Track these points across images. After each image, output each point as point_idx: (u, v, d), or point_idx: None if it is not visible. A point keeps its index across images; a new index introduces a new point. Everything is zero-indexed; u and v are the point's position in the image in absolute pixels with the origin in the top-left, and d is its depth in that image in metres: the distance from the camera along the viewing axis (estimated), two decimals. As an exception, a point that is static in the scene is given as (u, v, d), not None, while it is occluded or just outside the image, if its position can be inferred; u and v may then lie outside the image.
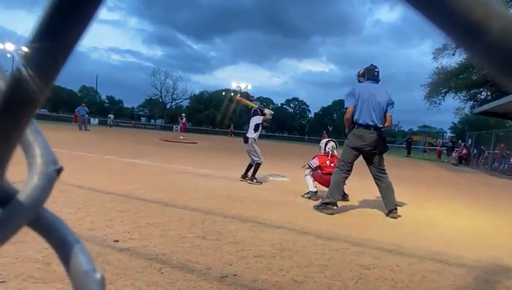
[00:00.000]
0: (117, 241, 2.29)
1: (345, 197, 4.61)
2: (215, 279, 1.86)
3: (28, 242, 2.03)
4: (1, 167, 0.20)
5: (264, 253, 2.34)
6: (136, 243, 2.29)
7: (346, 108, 3.98)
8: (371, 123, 3.86)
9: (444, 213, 4.49)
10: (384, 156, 4.11)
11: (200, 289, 1.74)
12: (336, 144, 5.07)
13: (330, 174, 4.29)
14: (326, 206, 3.81)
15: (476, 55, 0.11)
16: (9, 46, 28.79)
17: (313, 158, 4.87)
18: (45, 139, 0.23)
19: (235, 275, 1.95)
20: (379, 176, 4.01)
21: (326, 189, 4.17)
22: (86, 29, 0.17)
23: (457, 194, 6.66)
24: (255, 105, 6.00)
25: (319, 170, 4.69)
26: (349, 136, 3.96)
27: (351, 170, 4.00)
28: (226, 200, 3.98)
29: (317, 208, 3.87)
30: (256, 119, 5.75)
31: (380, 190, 4.03)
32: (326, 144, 5.01)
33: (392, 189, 3.95)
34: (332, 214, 3.73)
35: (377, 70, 4.11)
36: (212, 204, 3.66)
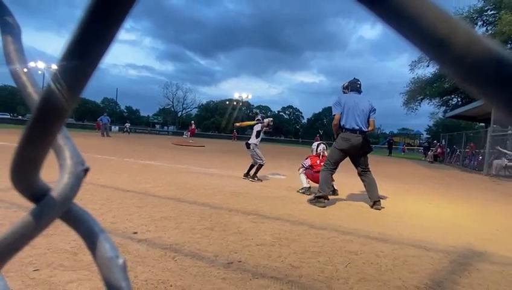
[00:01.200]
0: (136, 233, 2.29)
1: (334, 192, 4.60)
2: (222, 265, 1.86)
3: (58, 235, 2.03)
4: (36, 167, 0.20)
5: (264, 242, 2.33)
6: (153, 234, 2.29)
7: (334, 115, 3.99)
8: (356, 127, 3.87)
9: (422, 205, 4.48)
10: (369, 155, 4.12)
11: (209, 274, 1.73)
12: (326, 145, 5.09)
13: (317, 173, 4.32)
14: (319, 199, 3.81)
15: (444, 66, 0.11)
16: (40, 64, 28.92)
17: (306, 158, 4.91)
18: (74, 143, 0.24)
19: (240, 261, 1.94)
20: (364, 173, 4.03)
21: (317, 185, 4.18)
22: (107, 49, 0.17)
23: (433, 188, 6.65)
24: (254, 122, 6.00)
25: (310, 169, 4.71)
26: (338, 139, 3.97)
27: (336, 168, 4.01)
28: (231, 196, 3.97)
29: (311, 201, 3.87)
30: (257, 127, 5.81)
31: (364, 185, 4.04)
32: (317, 146, 5.04)
33: (375, 184, 3.97)
34: (324, 207, 3.72)
35: (359, 83, 4.14)
36: (219, 199, 3.66)
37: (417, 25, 0.11)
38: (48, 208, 0.20)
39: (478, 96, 0.11)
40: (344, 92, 4.20)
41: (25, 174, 0.20)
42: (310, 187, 4.60)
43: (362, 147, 3.90)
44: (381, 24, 0.12)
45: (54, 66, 0.18)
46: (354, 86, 4.10)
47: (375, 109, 4.04)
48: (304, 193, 4.53)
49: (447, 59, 0.11)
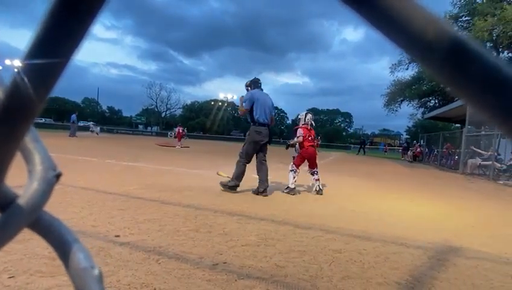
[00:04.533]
0: (118, 236, 2.23)
1: (319, 192, 4.65)
2: (207, 267, 1.84)
3: (35, 240, 1.94)
4: (1, 173, 0.18)
5: (250, 242, 2.32)
6: (136, 237, 2.23)
7: (243, 108, 4.42)
8: (266, 121, 4.40)
9: (402, 203, 4.61)
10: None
11: (194, 276, 1.71)
12: (312, 115, 5.10)
13: (309, 146, 4.76)
14: (232, 187, 4.22)
15: (431, 69, 0.11)
16: (17, 62, 27.72)
17: (297, 129, 4.92)
18: (44, 146, 0.22)
19: (225, 262, 1.93)
20: (262, 162, 4.44)
21: (310, 169, 4.70)
22: (79, 46, 0.16)
23: (413, 187, 6.85)
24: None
25: (300, 145, 4.79)
26: (251, 133, 4.37)
27: (250, 160, 4.42)
28: (216, 196, 3.94)
29: (223, 186, 4.26)
30: None
31: (259, 172, 4.38)
32: (305, 115, 5.01)
33: (267, 173, 4.37)
34: (236, 192, 4.15)
35: (260, 82, 4.64)
36: (204, 200, 3.62)
37: (404, 28, 0.10)
38: (14, 217, 0.19)
39: (464, 99, 0.11)
40: (247, 90, 4.62)
41: (-13, 181, 0.18)
42: (294, 188, 4.61)
43: (269, 138, 4.45)
44: (367, 26, 0.11)
45: (21, 60, 0.16)
46: (257, 84, 4.60)
47: (273, 106, 4.65)
48: (288, 193, 4.54)
49: (433, 62, 0.11)
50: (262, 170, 4.39)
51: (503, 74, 0.10)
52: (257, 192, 4.26)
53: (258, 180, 4.35)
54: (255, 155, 4.44)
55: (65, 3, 0.14)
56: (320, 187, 4.69)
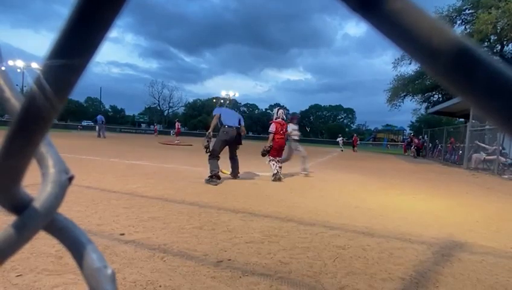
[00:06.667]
0: (123, 234, 2.25)
1: (277, 176, 5.29)
2: (211, 264, 1.85)
3: (42, 238, 1.97)
4: (18, 178, 0.19)
5: (254, 239, 2.34)
6: (140, 235, 2.25)
7: (215, 115, 5.29)
8: (233, 124, 5.18)
9: (406, 198, 4.60)
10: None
11: (198, 273, 1.72)
12: (284, 111, 5.78)
13: (280, 138, 5.50)
14: (212, 179, 4.70)
15: (436, 75, 0.11)
16: (19, 63, 27.79)
17: (271, 124, 5.58)
18: (57, 151, 0.22)
19: (229, 259, 1.94)
20: (234, 158, 5.34)
21: (284, 156, 5.55)
22: (98, 48, 0.16)
23: (416, 182, 6.83)
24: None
25: (273, 141, 5.48)
26: (220, 133, 5.17)
27: (218, 156, 5.06)
28: (220, 194, 3.95)
29: (206, 181, 4.70)
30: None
31: (232, 164, 5.30)
32: (277, 111, 5.69)
33: (238, 165, 5.34)
34: (216, 185, 4.56)
35: (228, 103, 6.01)
36: (208, 198, 3.64)
37: (410, 34, 0.11)
38: (31, 219, 0.19)
39: (469, 102, 0.11)
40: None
41: (5, 185, 0.19)
42: (277, 173, 5.29)
43: (236, 138, 5.17)
44: (374, 31, 0.12)
45: (38, 67, 0.17)
46: (223, 105, 5.88)
47: (242, 118, 5.50)
48: (274, 179, 5.21)
49: (438, 68, 0.11)
50: (233, 163, 5.39)
51: (507, 78, 0.10)
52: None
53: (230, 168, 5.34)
54: (229, 153, 5.31)
55: (86, 10, 0.14)
56: (279, 172, 5.33)
